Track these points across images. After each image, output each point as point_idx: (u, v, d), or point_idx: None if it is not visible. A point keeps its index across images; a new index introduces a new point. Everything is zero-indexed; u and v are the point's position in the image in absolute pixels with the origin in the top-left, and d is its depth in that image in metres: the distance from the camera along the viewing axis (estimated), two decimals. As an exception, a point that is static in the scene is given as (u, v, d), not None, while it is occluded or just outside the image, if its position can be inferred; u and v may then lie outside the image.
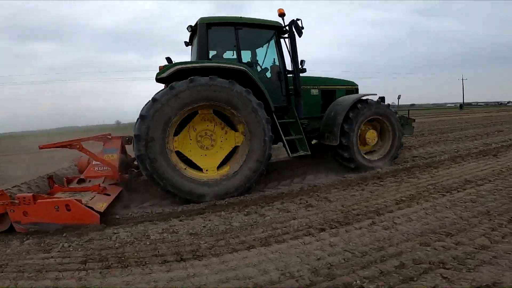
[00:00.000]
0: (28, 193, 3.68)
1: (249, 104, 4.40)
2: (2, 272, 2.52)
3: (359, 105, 5.37)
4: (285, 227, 3.17)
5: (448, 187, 4.14)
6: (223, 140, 4.59)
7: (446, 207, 3.38)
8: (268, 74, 5.46)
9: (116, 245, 2.99)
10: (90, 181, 4.57)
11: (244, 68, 4.59)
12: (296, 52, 5.25)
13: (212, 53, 5.13)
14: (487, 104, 69.55)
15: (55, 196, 3.90)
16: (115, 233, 3.28)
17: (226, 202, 4.20)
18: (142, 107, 4.32)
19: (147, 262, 2.60)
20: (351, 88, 6.47)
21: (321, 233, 2.95)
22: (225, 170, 4.56)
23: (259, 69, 5.49)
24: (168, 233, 3.25)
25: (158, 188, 4.20)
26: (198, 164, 4.51)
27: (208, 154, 4.55)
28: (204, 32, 4.80)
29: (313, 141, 6.13)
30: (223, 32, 4.94)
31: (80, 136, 4.77)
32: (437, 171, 5.12)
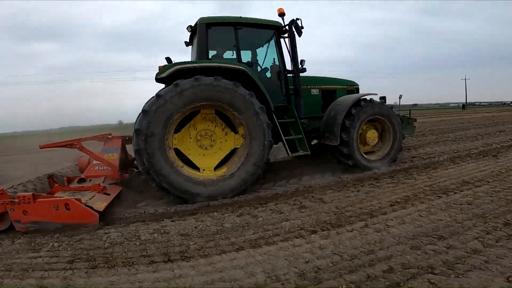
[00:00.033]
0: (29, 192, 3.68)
1: (252, 107, 4.40)
2: (-10, 271, 2.52)
3: (362, 103, 5.35)
4: (276, 229, 3.14)
5: (445, 189, 4.08)
6: (223, 141, 4.59)
7: (441, 209, 3.32)
8: (268, 74, 5.44)
9: (105, 245, 2.98)
10: (90, 180, 4.57)
11: (243, 68, 4.58)
12: (296, 51, 5.23)
13: (212, 53, 5.13)
14: (490, 104, 69.19)
15: (55, 195, 3.91)
16: (106, 233, 3.27)
17: (219, 203, 4.18)
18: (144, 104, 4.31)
19: (134, 263, 2.59)
20: (352, 88, 6.44)
21: (312, 235, 2.91)
22: (222, 171, 4.54)
23: (259, 69, 5.46)
24: (159, 234, 3.23)
25: (153, 184, 4.19)
26: (195, 163, 4.50)
27: (207, 154, 4.54)
28: (203, 32, 4.80)
29: (314, 142, 6.11)
30: (222, 32, 4.93)
31: (80, 136, 4.79)
32: (435, 172, 5.05)
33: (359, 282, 2.01)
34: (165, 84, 4.44)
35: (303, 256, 2.48)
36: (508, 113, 24.16)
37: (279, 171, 5.84)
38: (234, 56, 5.04)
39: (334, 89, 6.16)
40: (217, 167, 4.58)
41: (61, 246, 3.01)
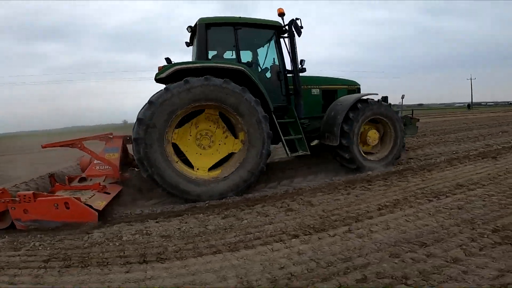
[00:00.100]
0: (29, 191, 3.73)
1: (255, 114, 4.42)
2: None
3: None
4: (258, 232, 3.08)
5: (437, 192, 3.97)
6: (221, 144, 4.61)
7: (429, 213, 3.22)
8: (268, 74, 5.42)
9: (85, 245, 2.98)
10: (91, 179, 4.60)
11: (242, 68, 4.57)
12: (296, 51, 5.21)
13: (212, 53, 5.15)
14: (497, 104, 68.07)
15: (55, 194, 3.94)
16: (88, 233, 3.27)
17: (206, 204, 4.15)
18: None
19: (109, 263, 2.59)
20: (353, 87, 6.38)
21: (293, 239, 2.84)
22: (216, 173, 4.54)
23: (260, 69, 5.45)
24: (141, 235, 3.21)
25: (144, 175, 4.19)
26: (191, 161, 4.51)
27: (204, 154, 4.56)
28: (203, 32, 4.82)
29: (314, 142, 6.07)
30: (222, 32, 4.94)
31: (81, 135, 4.83)
32: (430, 174, 4.93)
33: (330, 291, 1.94)
34: (165, 84, 4.44)
35: (279, 261, 2.41)
36: (514, 113, 23.66)
37: (272, 172, 5.77)
38: (234, 56, 5.03)
39: (335, 89, 6.12)
40: (212, 168, 4.58)
41: (41, 246, 3.03)
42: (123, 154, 4.90)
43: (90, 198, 3.77)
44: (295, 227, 3.13)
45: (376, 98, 5.64)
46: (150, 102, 4.14)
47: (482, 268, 2.02)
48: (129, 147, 5.05)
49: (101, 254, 2.75)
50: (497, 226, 2.78)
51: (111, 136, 4.91)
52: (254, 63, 5.34)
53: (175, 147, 4.47)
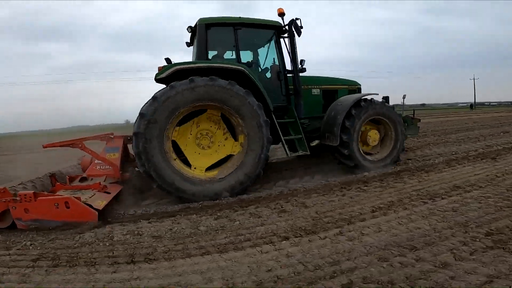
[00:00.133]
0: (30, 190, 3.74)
1: (257, 118, 4.42)
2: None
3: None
4: (249, 234, 3.07)
5: (433, 194, 3.92)
6: (221, 145, 4.62)
7: (423, 216, 3.17)
8: (268, 74, 5.42)
9: (75, 245, 3.00)
10: (92, 179, 4.63)
11: (242, 68, 4.57)
12: (296, 51, 5.20)
13: (213, 53, 5.16)
14: (500, 104, 67.40)
15: (56, 193, 3.95)
16: (79, 234, 3.27)
17: (200, 205, 4.13)
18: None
19: (97, 263, 2.60)
20: (354, 87, 6.36)
21: (283, 241, 2.82)
22: (213, 173, 4.54)
23: (260, 69, 5.45)
24: (132, 235, 3.21)
25: (141, 169, 4.20)
26: (189, 159, 4.52)
27: (202, 154, 4.56)
28: (203, 32, 4.83)
29: (314, 143, 6.06)
30: (222, 32, 4.94)
31: (82, 135, 4.85)
32: (427, 176, 4.87)
33: (315, 295, 1.92)
34: (165, 84, 4.46)
35: (267, 264, 2.40)
36: (517, 113, 23.40)
37: (268, 173, 5.75)
38: (234, 57, 5.03)
39: (336, 89, 6.10)
40: (209, 168, 4.58)
41: (32, 245, 3.04)
42: (124, 154, 4.91)
43: (90, 197, 3.79)
44: (287, 229, 3.11)
45: (376, 98, 5.59)
46: (154, 97, 4.16)
47: (470, 274, 1.98)
48: (130, 147, 5.05)
49: (90, 254, 2.76)
50: (491, 230, 2.74)
51: (112, 136, 4.93)
52: (254, 63, 5.33)
53: (175, 145, 4.47)
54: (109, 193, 4.12)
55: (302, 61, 5.30)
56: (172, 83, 4.18)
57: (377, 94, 5.64)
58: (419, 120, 6.94)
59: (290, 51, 5.22)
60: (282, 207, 3.85)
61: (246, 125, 4.43)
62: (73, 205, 3.40)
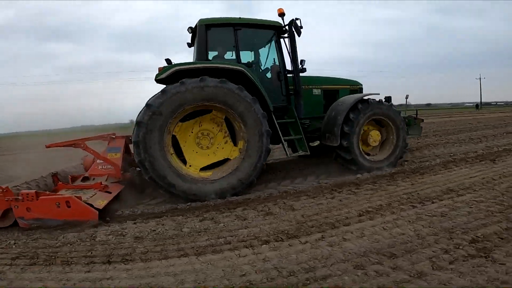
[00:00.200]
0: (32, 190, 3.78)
1: (259, 127, 4.44)
2: None
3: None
4: (231, 237, 3.03)
5: (424, 197, 3.83)
6: (219, 148, 4.63)
7: (409, 221, 3.09)
8: (269, 74, 5.40)
9: (57, 245, 3.02)
10: (94, 179, 4.67)
11: (241, 69, 4.57)
12: (296, 51, 5.18)
13: (213, 53, 5.17)
14: (507, 104, 66.17)
15: (58, 193, 4.00)
16: (62, 233, 3.29)
17: (187, 206, 4.12)
18: None
19: (73, 262, 2.62)
20: (355, 87, 6.31)
21: (263, 245, 2.78)
22: (207, 174, 4.54)
23: (262, 69, 5.44)
24: (115, 236, 3.21)
25: (136, 160, 4.21)
26: (186, 156, 4.53)
27: (199, 153, 4.58)
28: (203, 33, 4.84)
29: (314, 143, 6.03)
30: (222, 33, 4.95)
31: (88, 135, 4.91)
32: (421, 178, 4.77)
33: (283, 303, 1.87)
34: (165, 85, 4.46)
35: (242, 268, 2.36)
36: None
37: (261, 174, 5.71)
38: (234, 57, 5.03)
39: (337, 89, 6.06)
40: (204, 169, 4.59)
41: (15, 244, 3.09)
42: (126, 154, 4.94)
43: (91, 197, 3.83)
44: (269, 232, 3.06)
45: (377, 98, 5.53)
46: (163, 91, 4.18)
47: (444, 285, 1.91)
48: (132, 147, 5.11)
49: (68, 254, 2.79)
50: (477, 236, 2.65)
51: (114, 136, 4.97)
52: (254, 63, 5.32)
53: (174, 141, 4.49)
54: (110, 192, 4.16)
55: (302, 61, 5.28)
56: (183, 80, 4.22)
57: (378, 94, 5.58)
58: (422, 120, 6.82)
59: (290, 51, 5.20)
60: (269, 209, 3.81)
61: (247, 132, 4.45)
62: (74, 205, 3.45)
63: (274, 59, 5.35)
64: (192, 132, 4.53)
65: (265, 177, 5.57)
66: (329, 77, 6.22)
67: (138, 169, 4.63)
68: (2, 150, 15.64)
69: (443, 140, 8.67)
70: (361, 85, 6.43)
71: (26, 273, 2.44)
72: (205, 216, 3.72)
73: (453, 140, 8.53)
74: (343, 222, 3.19)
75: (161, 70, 4.43)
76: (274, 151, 7.32)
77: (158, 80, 4.56)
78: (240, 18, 4.99)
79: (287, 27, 5.12)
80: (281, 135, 4.84)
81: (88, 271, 2.44)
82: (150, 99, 4.23)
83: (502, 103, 69.50)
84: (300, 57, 5.20)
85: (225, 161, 4.66)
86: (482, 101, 58.49)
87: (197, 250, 2.75)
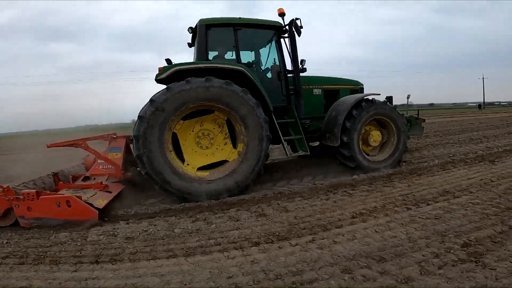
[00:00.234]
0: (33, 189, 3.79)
1: (260, 131, 4.45)
2: None
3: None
4: (221, 238, 3.02)
5: (419, 199, 3.78)
6: (219, 149, 4.64)
7: (402, 224, 3.06)
8: (269, 74, 5.39)
9: (47, 244, 3.03)
10: (94, 178, 4.69)
11: (241, 69, 4.56)
12: (296, 51, 5.17)
13: (214, 53, 5.17)
14: (510, 104, 65.53)
15: (59, 192, 4.03)
16: (54, 233, 3.30)
17: (181, 207, 4.11)
18: None
19: (61, 262, 2.63)
20: (356, 87, 6.28)
21: (253, 247, 2.76)
22: (204, 174, 4.54)
23: (262, 69, 5.44)
24: (106, 236, 3.22)
25: (135, 153, 4.23)
26: (184, 155, 4.54)
27: (198, 152, 4.59)
28: (203, 33, 4.84)
29: (314, 144, 6.00)
30: (222, 33, 4.95)
31: (91, 134, 4.95)
32: (418, 179, 4.72)
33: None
34: (165, 85, 4.47)
35: (229, 270, 2.35)
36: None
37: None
38: (235, 57, 5.02)
39: (337, 89, 6.04)
40: (201, 169, 4.58)
41: (7, 243, 3.12)
42: (126, 153, 4.95)
43: (91, 196, 3.85)
44: (260, 234, 3.04)
45: (378, 98, 5.50)
46: (168, 88, 4.20)
47: (430, 291, 1.88)
48: (132, 147, 5.10)
49: (57, 253, 2.80)
50: (469, 240, 2.61)
51: (115, 136, 4.99)
52: (254, 63, 5.31)
53: (174, 139, 4.49)
54: (110, 192, 4.18)
55: (302, 61, 5.27)
56: (188, 78, 4.23)
57: (379, 94, 5.55)
58: (424, 120, 6.79)
59: (290, 51, 5.19)
60: (262, 210, 3.79)
61: (248, 135, 4.45)
62: (74, 204, 3.48)
63: (274, 59, 5.35)
64: (192, 131, 4.53)
65: (261, 178, 5.52)
66: (330, 77, 6.20)
67: (138, 168, 4.63)
68: (2, 150, 15.77)
69: (443, 141, 8.58)
70: (362, 85, 6.40)
71: (14, 272, 2.46)
72: (198, 217, 3.71)
73: (454, 141, 8.44)
74: (336, 224, 3.16)
75: (161, 70, 4.44)
76: (273, 151, 7.30)
77: (158, 80, 4.57)
78: (240, 18, 4.99)
79: (287, 27, 5.11)
80: (281, 135, 4.83)
81: (75, 271, 2.45)
82: (154, 95, 4.24)
83: (505, 103, 68.95)
84: (300, 57, 5.20)
85: (223, 162, 4.65)
86: (485, 101, 58.10)
87: (186, 251, 2.74)
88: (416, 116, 6.63)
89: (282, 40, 5.25)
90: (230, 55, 5.22)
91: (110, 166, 4.67)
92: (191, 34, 5.28)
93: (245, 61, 5.04)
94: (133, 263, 2.57)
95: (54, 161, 6.56)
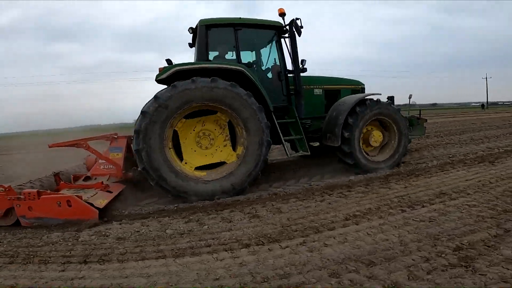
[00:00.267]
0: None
1: (260, 136, 4.45)
2: None
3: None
4: (212, 239, 3.01)
5: (415, 201, 3.73)
6: (218, 150, 4.64)
7: (395, 226, 3.02)
8: (270, 74, 5.39)
9: (39, 244, 3.05)
10: (96, 178, 4.71)
11: (241, 69, 4.56)
12: (297, 51, 5.17)
13: (214, 53, 5.18)
14: (513, 104, 64.92)
15: (60, 192, 4.05)
16: (47, 233, 3.31)
17: (175, 207, 4.10)
18: None
19: (50, 261, 2.64)
20: (357, 87, 6.26)
21: (243, 249, 2.74)
22: (201, 174, 4.54)
23: (262, 69, 5.43)
24: (98, 236, 3.22)
25: (134, 148, 4.23)
26: (183, 153, 4.55)
27: (198, 152, 4.60)
28: (203, 33, 4.85)
29: (314, 144, 5.97)
30: (222, 33, 4.96)
31: (92, 134, 4.98)
32: (416, 181, 4.67)
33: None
34: (166, 85, 4.48)
35: (216, 272, 2.33)
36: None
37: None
38: (235, 57, 5.02)
39: (338, 89, 6.02)
40: (199, 168, 4.58)
41: (0, 243, 3.12)
42: (127, 154, 4.95)
43: (92, 196, 3.87)
44: (251, 236, 3.02)
45: (379, 98, 5.45)
46: (173, 85, 4.20)
47: (417, 296, 1.85)
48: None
49: (47, 253, 2.80)
50: (462, 243, 2.56)
51: (116, 136, 5.01)
52: (254, 63, 5.30)
53: (174, 137, 4.49)
54: (111, 192, 4.20)
55: (303, 61, 5.27)
56: (193, 78, 4.24)
57: (380, 94, 5.52)
58: (426, 120, 6.72)
59: (290, 51, 5.17)
60: (256, 212, 3.77)
61: (248, 139, 4.45)
62: (75, 204, 3.51)
63: (274, 59, 5.34)
64: (194, 130, 4.54)
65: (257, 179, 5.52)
66: (330, 77, 6.18)
67: (139, 169, 4.63)
68: (2, 150, 15.90)
69: (444, 141, 8.49)
70: (363, 85, 6.37)
71: (2, 271, 2.48)
72: (191, 217, 3.70)
73: (454, 141, 8.35)
74: (328, 227, 3.13)
75: (162, 70, 4.45)
76: (273, 151, 7.27)
77: (158, 81, 4.57)
78: (240, 18, 4.98)
79: (287, 27, 5.10)
80: (281, 135, 4.82)
81: (63, 270, 2.46)
82: (159, 92, 4.25)
83: (509, 103, 68.23)
84: (300, 57, 5.20)
85: (221, 164, 4.65)
86: (488, 100, 57.54)
87: (176, 252, 2.73)
88: (418, 116, 6.57)
89: (282, 40, 5.24)
90: (230, 55, 5.22)
91: (111, 166, 4.69)
92: (192, 35, 5.28)
93: (246, 61, 5.03)
94: (121, 263, 2.57)
95: (54, 161, 6.61)
